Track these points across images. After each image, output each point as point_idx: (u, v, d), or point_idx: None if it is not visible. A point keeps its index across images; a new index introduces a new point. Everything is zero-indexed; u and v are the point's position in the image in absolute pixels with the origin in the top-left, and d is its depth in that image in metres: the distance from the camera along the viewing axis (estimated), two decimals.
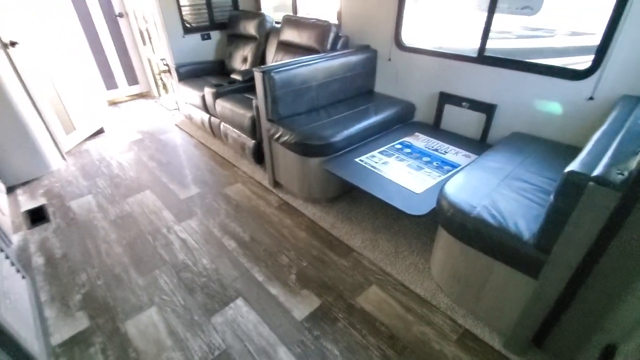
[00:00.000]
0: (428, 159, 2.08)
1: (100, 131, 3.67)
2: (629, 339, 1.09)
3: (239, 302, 1.73)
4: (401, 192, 1.80)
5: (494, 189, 1.53)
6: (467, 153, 2.14)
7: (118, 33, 4.31)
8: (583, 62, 3.13)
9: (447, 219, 1.47)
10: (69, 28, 3.29)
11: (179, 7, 3.37)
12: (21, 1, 2.68)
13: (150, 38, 4.40)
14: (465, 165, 1.93)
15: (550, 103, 1.95)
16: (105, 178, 2.83)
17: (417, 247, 2.02)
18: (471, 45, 2.18)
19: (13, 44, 2.49)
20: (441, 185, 1.66)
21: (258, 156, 2.67)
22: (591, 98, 1.79)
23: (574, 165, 1.08)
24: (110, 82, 4.46)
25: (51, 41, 3.00)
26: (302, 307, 1.70)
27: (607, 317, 1.18)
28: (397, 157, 2.11)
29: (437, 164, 2.03)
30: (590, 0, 3.10)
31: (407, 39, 2.50)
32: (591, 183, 0.99)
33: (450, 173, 1.94)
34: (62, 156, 3.03)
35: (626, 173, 0.98)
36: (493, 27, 2.05)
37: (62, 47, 3.13)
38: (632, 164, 1.01)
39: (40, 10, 2.90)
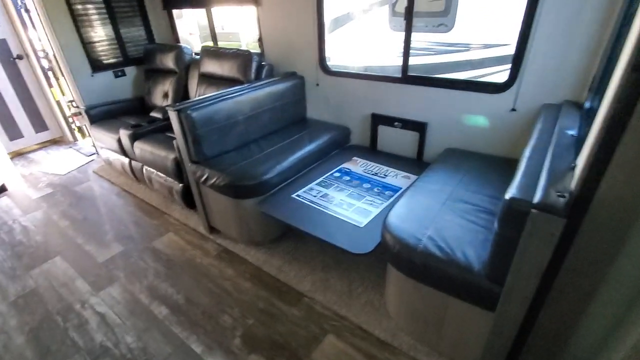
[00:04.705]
0: (368, 185, 1.99)
1: (1, 189, 3.14)
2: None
3: None
4: (344, 227, 1.67)
5: (437, 215, 1.46)
6: (407, 174, 2.08)
7: (18, 76, 3.80)
8: (500, 72, 3.31)
9: (394, 255, 1.36)
10: None
11: (84, 44, 3.04)
12: None
13: (57, 79, 3.94)
14: (406, 189, 1.86)
15: (477, 117, 1.97)
16: (5, 248, 2.37)
17: (370, 280, 1.89)
18: (395, 64, 2.17)
19: None
20: (384, 214, 1.55)
21: (189, 200, 2.40)
22: (514, 109, 1.82)
23: (513, 191, 1.01)
24: (13, 131, 3.89)
25: None
26: None
27: (570, 342, 1.12)
28: (337, 186, 2.00)
29: (378, 189, 1.94)
30: (497, 16, 3.34)
31: (333, 62, 2.45)
32: (534, 210, 0.92)
33: (392, 198, 1.85)
34: None
35: (567, 195, 0.93)
36: (414, 45, 2.06)
37: None
38: (570, 183, 0.97)
39: None
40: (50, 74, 3.90)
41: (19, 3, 3.48)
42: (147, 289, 1.95)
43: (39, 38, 3.68)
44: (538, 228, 0.94)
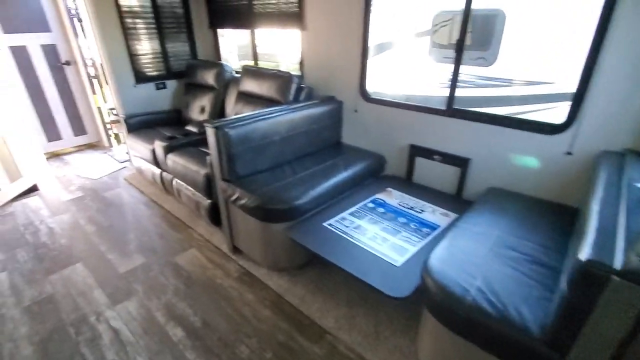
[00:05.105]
0: (404, 220, 1.88)
1: (33, 189, 3.21)
2: None
3: None
4: (378, 264, 1.55)
5: (483, 262, 1.33)
6: (445, 211, 1.96)
7: (64, 81, 3.98)
8: (541, 110, 3.17)
9: (435, 304, 1.23)
10: (4, 78, 2.94)
11: (130, 56, 3.15)
12: None
13: (101, 86, 4.10)
14: (446, 228, 1.75)
15: (526, 157, 1.85)
16: (28, 249, 2.38)
17: (399, 323, 1.74)
18: (433, 94, 2.10)
19: None
20: (422, 254, 1.44)
21: (215, 217, 2.36)
22: (569, 153, 1.70)
23: (588, 251, 0.89)
24: (52, 133, 4.03)
25: None
26: None
27: None
28: (371, 218, 1.90)
29: (414, 225, 1.83)
30: (543, 55, 3.24)
31: (373, 89, 2.40)
32: (615, 277, 0.80)
33: (430, 237, 1.73)
34: None
35: None
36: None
37: None
38: None
39: None
40: (95, 81, 4.06)
41: (73, 12, 3.68)
42: (164, 306, 1.88)
43: (89, 46, 3.86)
44: (619, 298, 0.81)
